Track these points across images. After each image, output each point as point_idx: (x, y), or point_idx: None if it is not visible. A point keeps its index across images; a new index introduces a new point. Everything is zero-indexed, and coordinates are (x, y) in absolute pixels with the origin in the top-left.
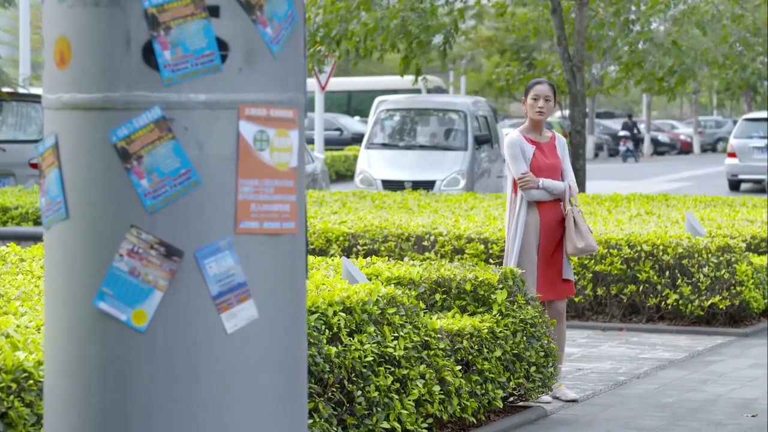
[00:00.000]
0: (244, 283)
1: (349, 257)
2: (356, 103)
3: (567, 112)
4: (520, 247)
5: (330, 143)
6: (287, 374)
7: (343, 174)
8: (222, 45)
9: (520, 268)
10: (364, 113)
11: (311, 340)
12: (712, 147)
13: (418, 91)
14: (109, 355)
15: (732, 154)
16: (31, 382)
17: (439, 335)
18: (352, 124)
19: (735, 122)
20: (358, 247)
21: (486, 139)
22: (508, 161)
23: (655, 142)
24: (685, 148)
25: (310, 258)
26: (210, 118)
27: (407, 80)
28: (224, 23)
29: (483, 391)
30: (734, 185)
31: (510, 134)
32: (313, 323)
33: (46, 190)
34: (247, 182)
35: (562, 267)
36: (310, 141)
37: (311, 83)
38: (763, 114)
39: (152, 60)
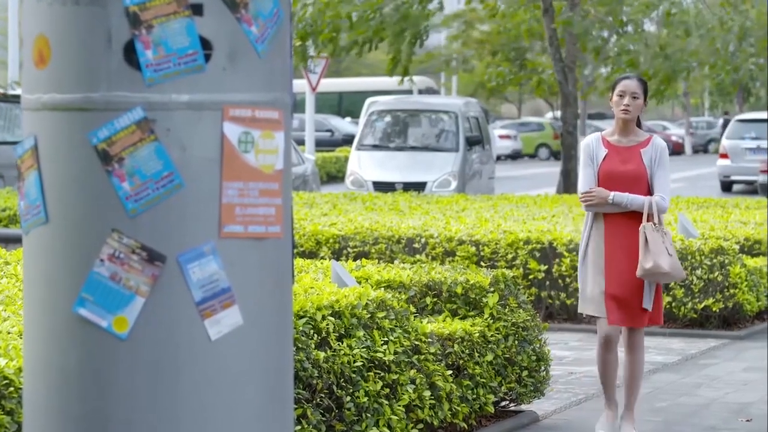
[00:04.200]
0: (228, 288)
1: (339, 260)
2: (347, 105)
3: (559, 113)
4: (581, 263)
5: (321, 144)
6: (273, 382)
7: (334, 175)
8: (205, 44)
9: (580, 285)
10: (355, 114)
11: (299, 345)
12: (703, 148)
13: (410, 92)
14: (89, 362)
15: (724, 155)
16: (11, 389)
17: (429, 339)
18: (343, 125)
19: (726, 122)
20: (349, 249)
21: (477, 140)
22: None
23: None
24: (677, 149)
25: (299, 261)
26: (193, 119)
27: (398, 81)
28: (208, 22)
29: (474, 396)
30: (726, 186)
31: (589, 135)
32: (301, 328)
33: (25, 194)
34: (232, 185)
35: (642, 292)
36: (301, 142)
37: (302, 84)
38: (755, 115)
39: (134, 59)
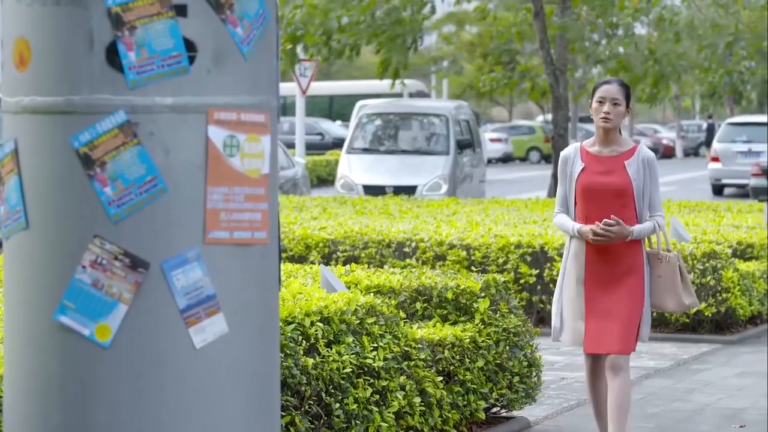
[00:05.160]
0: (213, 295)
1: (328, 264)
2: (338, 108)
3: (550, 116)
4: (560, 283)
5: (311, 148)
6: (259, 390)
7: (324, 179)
8: (190, 46)
9: (554, 312)
10: (345, 117)
11: (288, 351)
12: (694, 151)
13: (400, 95)
14: (71, 371)
15: (715, 159)
16: None
17: (419, 345)
18: (333, 128)
19: (710, 126)
20: (338, 253)
21: (468, 144)
22: None
23: None
24: (668, 153)
25: (288, 265)
26: (177, 122)
27: (389, 84)
28: (192, 23)
29: (465, 403)
30: (717, 190)
31: (568, 147)
32: (289, 334)
33: (5, 199)
34: (217, 190)
35: (624, 315)
36: (291, 145)
37: (292, 87)
38: (746, 118)
39: (116, 61)
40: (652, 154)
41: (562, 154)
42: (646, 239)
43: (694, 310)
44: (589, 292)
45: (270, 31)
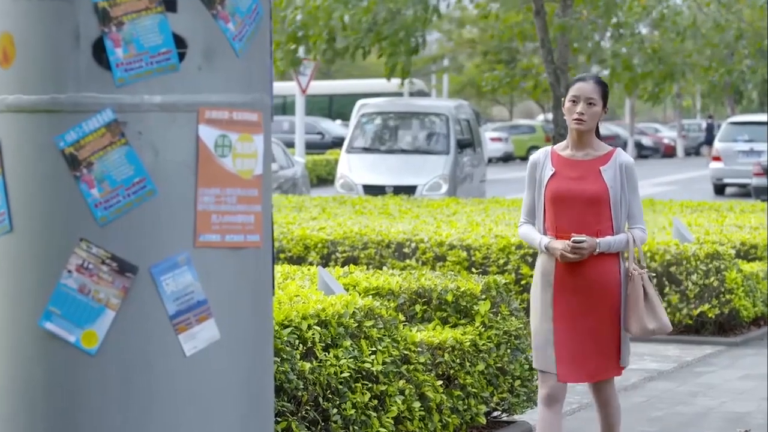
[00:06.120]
0: (204, 301)
1: (327, 265)
2: (338, 107)
3: (550, 115)
4: (533, 304)
5: (311, 147)
6: (252, 398)
7: (324, 178)
8: (180, 42)
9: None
10: (345, 117)
11: (284, 356)
12: (695, 150)
13: (400, 94)
14: (56, 379)
15: (717, 158)
16: None
17: (419, 349)
18: (333, 127)
19: (709, 126)
20: (338, 254)
21: (468, 143)
22: None
23: (638, 145)
24: (669, 152)
25: (286, 267)
26: (166, 121)
27: (389, 84)
28: (182, 18)
29: (465, 407)
30: (719, 189)
31: (539, 150)
32: (286, 338)
33: None
34: (208, 191)
35: (603, 343)
36: (291, 145)
37: (292, 86)
38: (748, 117)
39: (103, 58)
40: (630, 159)
41: (531, 158)
42: (634, 257)
43: (698, 311)
44: (560, 315)
45: (263, 27)
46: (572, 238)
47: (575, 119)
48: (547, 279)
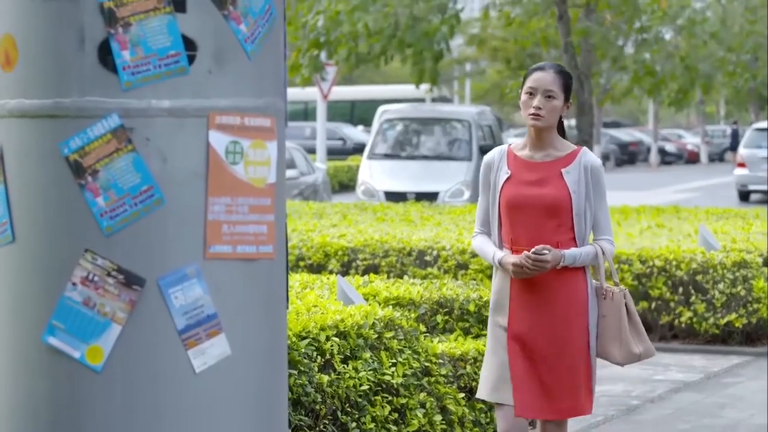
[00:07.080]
0: (214, 315)
1: (348, 273)
2: (360, 113)
3: (573, 121)
4: (489, 327)
5: (332, 153)
6: (264, 417)
7: (346, 184)
8: (189, 44)
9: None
10: (367, 123)
11: (301, 368)
12: (719, 157)
13: (422, 100)
14: (60, 396)
15: (742, 164)
16: None
17: (440, 360)
18: (355, 133)
19: (734, 132)
20: (358, 262)
21: (491, 149)
22: None
23: (662, 151)
24: (692, 158)
25: (305, 275)
26: (175, 127)
27: (411, 89)
28: (192, 19)
29: (488, 420)
30: (744, 196)
31: (493, 150)
32: (303, 349)
33: None
34: (218, 200)
35: (570, 372)
36: (312, 151)
37: (314, 92)
38: None
39: (109, 61)
40: (597, 161)
41: (485, 158)
42: (590, 268)
43: (724, 320)
44: (516, 341)
45: (276, 28)
46: (534, 249)
47: (531, 114)
48: (502, 299)
